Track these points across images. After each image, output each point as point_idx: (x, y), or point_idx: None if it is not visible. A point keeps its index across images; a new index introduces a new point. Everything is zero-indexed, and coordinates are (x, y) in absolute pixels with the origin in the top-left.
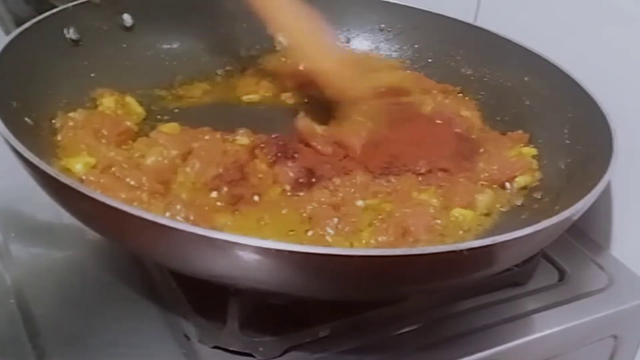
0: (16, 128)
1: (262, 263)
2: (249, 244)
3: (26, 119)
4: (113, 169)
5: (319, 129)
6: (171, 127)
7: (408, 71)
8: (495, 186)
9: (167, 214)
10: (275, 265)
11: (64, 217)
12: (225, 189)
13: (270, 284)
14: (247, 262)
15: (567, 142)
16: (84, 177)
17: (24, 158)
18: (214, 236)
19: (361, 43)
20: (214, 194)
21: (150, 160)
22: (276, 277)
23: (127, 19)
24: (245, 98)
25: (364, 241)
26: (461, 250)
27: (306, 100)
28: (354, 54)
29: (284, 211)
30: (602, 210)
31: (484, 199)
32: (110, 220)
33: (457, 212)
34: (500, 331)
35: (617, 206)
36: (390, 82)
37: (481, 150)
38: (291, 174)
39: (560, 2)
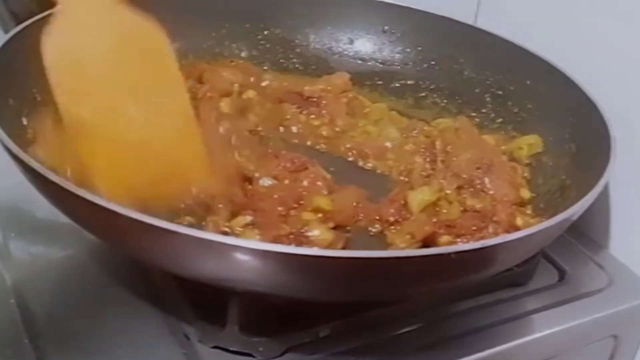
0: (11, 127)
1: (253, 265)
2: (238, 245)
3: (22, 117)
4: None
5: None
6: None
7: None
8: None
9: None
10: (266, 267)
11: (64, 217)
12: None
13: (263, 286)
14: (237, 264)
15: (568, 144)
16: None
17: (16, 156)
18: (204, 237)
19: (364, 45)
20: None
21: None
22: (268, 279)
23: None
24: None
25: None
26: (449, 254)
27: None
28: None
29: None
30: (602, 210)
31: None
32: (101, 220)
33: None
34: (500, 331)
35: (617, 206)
36: None
37: None
38: None
39: (560, 4)
